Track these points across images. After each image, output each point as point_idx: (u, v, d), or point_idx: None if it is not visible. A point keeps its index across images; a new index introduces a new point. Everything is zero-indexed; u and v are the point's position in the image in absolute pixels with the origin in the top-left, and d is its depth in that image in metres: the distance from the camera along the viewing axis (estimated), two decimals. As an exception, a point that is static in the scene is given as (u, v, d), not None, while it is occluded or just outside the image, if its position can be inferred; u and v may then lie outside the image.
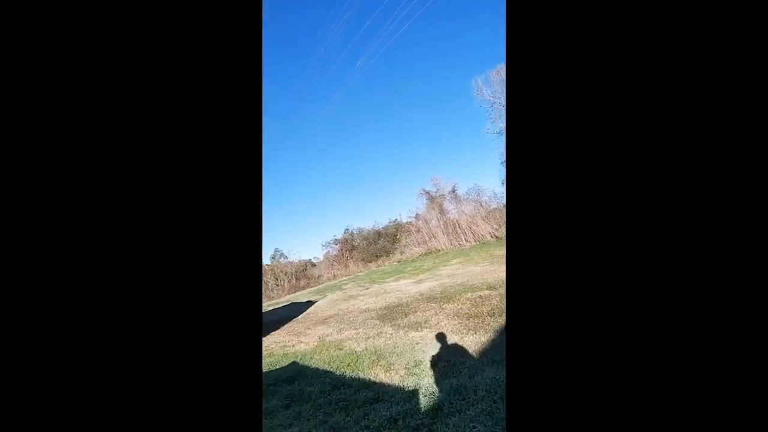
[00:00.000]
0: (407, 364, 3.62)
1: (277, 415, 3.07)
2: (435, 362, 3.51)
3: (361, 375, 3.63)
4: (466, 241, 16.82)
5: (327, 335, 6.04)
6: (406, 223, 21.13)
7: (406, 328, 5.15)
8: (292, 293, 19.79)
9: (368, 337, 5.17)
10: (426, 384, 3.01)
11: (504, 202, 17.86)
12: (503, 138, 19.97)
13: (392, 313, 6.38)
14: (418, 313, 5.94)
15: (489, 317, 4.72)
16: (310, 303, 11.51)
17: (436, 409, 2.51)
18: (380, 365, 3.78)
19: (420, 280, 10.28)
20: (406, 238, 19.76)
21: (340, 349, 4.86)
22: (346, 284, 14.97)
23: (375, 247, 21.67)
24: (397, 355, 4.04)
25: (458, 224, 17.67)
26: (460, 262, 11.95)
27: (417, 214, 20.96)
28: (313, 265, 26.93)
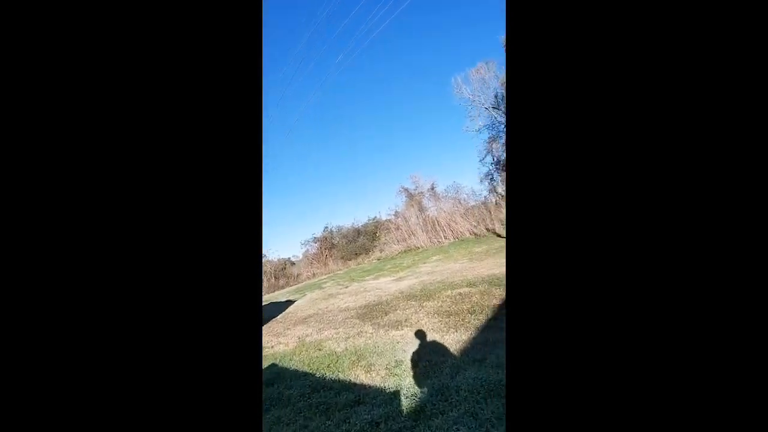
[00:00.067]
0: (388, 364, 3.59)
1: (254, 420, 2.98)
2: (416, 362, 3.49)
3: (342, 376, 3.58)
4: (445, 238, 16.94)
5: (307, 335, 5.95)
6: (386, 220, 21.14)
7: (387, 327, 5.12)
8: (271, 292, 19.50)
9: (348, 337, 5.11)
10: (407, 384, 2.98)
11: (482, 199, 18.09)
12: (482, 136, 20.17)
13: (372, 312, 6.34)
14: (398, 311, 5.92)
15: (469, 315, 4.73)
16: (289, 302, 11.35)
17: (418, 411, 2.48)
18: (361, 366, 3.73)
19: (400, 277, 10.28)
20: (385, 236, 19.77)
21: (320, 350, 4.79)
22: (325, 283, 14.85)
23: (354, 245, 21.59)
24: (378, 354, 4.00)
25: (437, 222, 17.78)
26: (440, 260, 12.02)
27: (396, 212, 20.99)
28: (293, 263, 26.63)
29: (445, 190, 19.70)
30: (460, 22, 26.18)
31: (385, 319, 5.61)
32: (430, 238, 17.60)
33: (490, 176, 18.60)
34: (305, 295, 12.50)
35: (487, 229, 15.37)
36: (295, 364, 4.41)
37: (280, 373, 4.16)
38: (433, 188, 20.15)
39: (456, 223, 16.91)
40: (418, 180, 20.71)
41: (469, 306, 5.17)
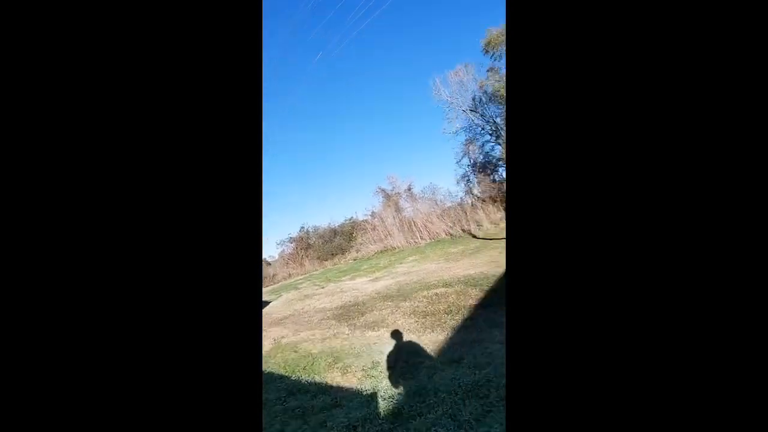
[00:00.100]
0: (365, 366, 3.57)
1: (228, 425, 2.91)
2: (393, 363, 3.49)
3: (318, 379, 3.54)
4: (422, 238, 17.05)
5: (282, 337, 5.86)
6: (362, 221, 21.09)
7: (363, 328, 5.10)
8: (244, 293, 19.02)
9: (325, 339, 5.06)
10: (384, 386, 2.97)
11: (458, 200, 18.30)
12: (459, 138, 20.41)
13: (349, 313, 6.30)
14: (375, 312, 5.91)
15: (446, 315, 4.77)
16: (265, 303, 11.15)
17: (396, 413, 2.48)
18: (337, 368, 3.70)
19: (376, 278, 10.27)
20: (362, 236, 19.72)
21: (296, 352, 4.72)
22: (301, 283, 14.67)
23: (331, 245, 21.45)
24: (354, 356, 3.98)
25: (414, 222, 17.87)
26: (416, 260, 12.08)
27: (373, 212, 20.97)
28: (268, 263, 26.18)
29: (421, 191, 19.82)
30: (440, 24, 26.43)
31: (361, 320, 5.59)
32: (406, 238, 17.67)
33: (467, 178, 18.86)
34: (281, 295, 12.31)
35: (463, 230, 15.56)
36: (271, 366, 4.33)
37: (254, 376, 4.07)
38: (410, 189, 20.25)
39: (432, 224, 17.04)
40: (395, 180, 20.76)
41: (445, 306, 5.21)
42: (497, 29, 15.87)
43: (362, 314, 5.97)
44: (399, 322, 4.99)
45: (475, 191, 17.86)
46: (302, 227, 25.16)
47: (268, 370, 4.24)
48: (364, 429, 2.37)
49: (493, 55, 16.39)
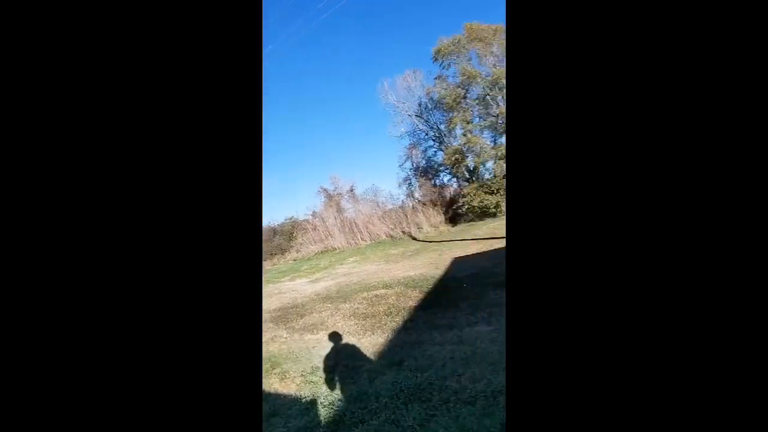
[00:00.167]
0: (304, 371, 3.45)
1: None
2: (333, 368, 3.41)
3: (253, 386, 3.35)
4: (363, 240, 17.04)
5: (213, 341, 5.50)
6: (303, 220, 20.60)
7: (302, 331, 4.95)
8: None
9: (262, 342, 4.83)
10: (324, 392, 2.88)
11: (400, 203, 18.56)
12: (403, 142, 20.66)
13: (287, 315, 6.09)
14: (314, 314, 5.77)
15: (386, 317, 4.78)
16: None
17: (337, 420, 2.40)
18: (275, 373, 3.54)
19: (316, 279, 10.07)
20: (302, 236, 19.26)
21: (229, 357, 4.45)
22: (235, 283, 13.95)
23: (270, 245, 20.68)
24: (293, 361, 3.83)
25: (355, 223, 17.82)
26: (356, 261, 12.04)
27: (314, 212, 20.60)
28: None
29: (364, 192, 19.85)
30: (392, 29, 26.66)
31: (300, 323, 5.42)
32: (347, 239, 17.56)
33: (409, 181, 19.21)
34: (212, 296, 11.61)
35: (403, 233, 15.80)
36: (200, 373, 4.03)
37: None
38: (352, 190, 20.18)
39: (373, 226, 17.12)
40: (338, 181, 20.59)
41: (385, 308, 5.22)
42: (448, 39, 16.38)
43: (301, 316, 5.79)
44: (339, 324, 4.91)
45: (417, 195, 18.26)
46: (239, 225, 23.99)
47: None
48: (302, 439, 2.27)
49: (442, 63, 16.88)
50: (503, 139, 15.81)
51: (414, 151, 18.95)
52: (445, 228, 15.19)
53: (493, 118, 15.85)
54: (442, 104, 16.73)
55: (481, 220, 14.55)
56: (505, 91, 15.14)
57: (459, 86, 16.28)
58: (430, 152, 19.01)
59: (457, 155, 16.38)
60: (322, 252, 17.63)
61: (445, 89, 16.54)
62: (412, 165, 19.14)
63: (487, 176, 16.19)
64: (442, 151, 17.97)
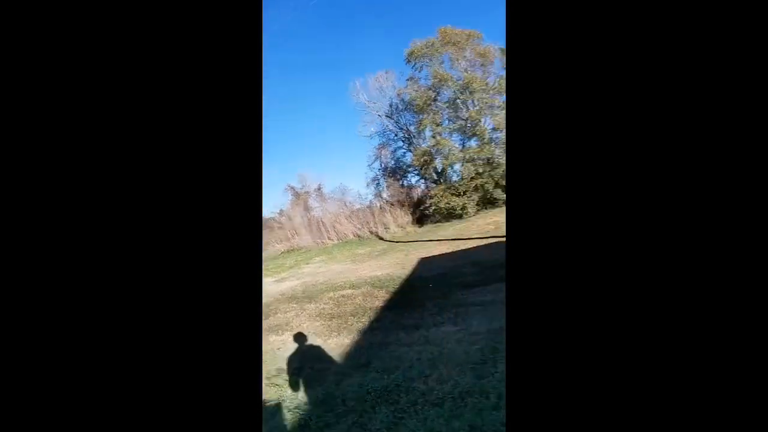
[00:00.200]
0: (268, 374, 3.34)
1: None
2: (298, 370, 3.33)
3: (213, 389, 3.21)
4: (329, 239, 16.88)
5: (170, 343, 5.26)
6: (269, 218, 20.17)
7: (267, 332, 4.82)
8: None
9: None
10: (289, 396, 2.80)
11: (368, 202, 18.52)
12: (373, 142, 20.68)
13: (250, 315, 5.91)
14: (279, 314, 5.64)
15: (352, 317, 4.73)
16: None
17: (303, 425, 2.34)
18: (236, 376, 3.40)
19: (281, 278, 9.86)
20: (268, 235, 18.83)
21: (187, 360, 4.26)
22: (195, 282, 13.45)
23: (232, 241, 20.10)
24: (256, 363, 3.71)
25: (322, 222, 17.62)
26: (323, 260, 11.90)
27: (281, 210, 20.23)
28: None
29: (331, 191, 19.68)
30: (366, 28, 26.56)
31: (265, 323, 5.27)
32: (314, 238, 17.34)
33: (377, 181, 19.19)
34: (170, 295, 11.13)
35: (371, 232, 15.79)
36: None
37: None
38: (320, 189, 19.96)
39: (341, 225, 16.99)
40: (306, 179, 20.32)
41: (351, 308, 5.18)
42: (422, 41, 16.49)
43: (266, 317, 5.64)
44: (304, 325, 4.82)
45: (385, 195, 18.29)
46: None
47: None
48: (266, 444, 2.20)
49: (414, 65, 16.99)
50: (472, 142, 16.14)
51: (383, 152, 18.98)
52: (412, 228, 15.31)
53: (462, 122, 16.12)
54: (413, 106, 16.85)
55: (448, 221, 14.76)
56: (474, 95, 15.46)
57: (430, 89, 16.46)
58: (399, 153, 19.12)
59: (425, 157, 16.54)
60: (288, 251, 17.33)
61: (417, 91, 16.67)
62: (381, 165, 19.17)
63: (454, 178, 16.47)
64: (411, 152, 18.10)
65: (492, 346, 2.92)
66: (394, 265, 8.37)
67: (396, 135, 18.92)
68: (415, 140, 18.16)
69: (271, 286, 8.92)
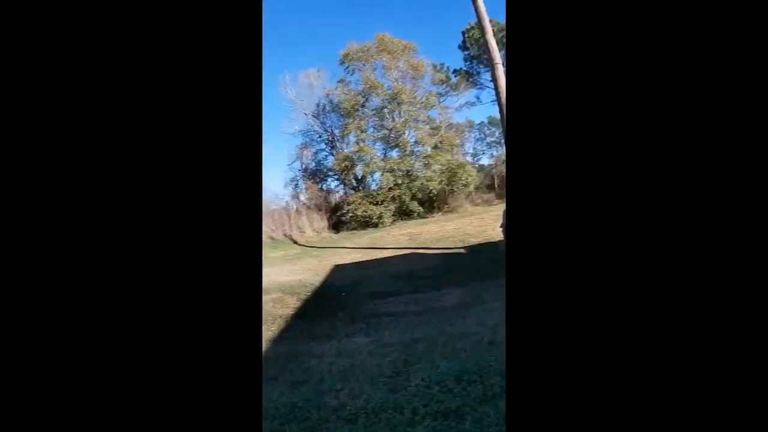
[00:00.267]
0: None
1: None
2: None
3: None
4: (239, 237, 15.94)
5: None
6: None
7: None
8: None
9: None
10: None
11: (284, 203, 17.87)
12: (296, 141, 20.01)
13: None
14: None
15: (261, 325, 4.46)
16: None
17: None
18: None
19: (180, 276, 9.00)
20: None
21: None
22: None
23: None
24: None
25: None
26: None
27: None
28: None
29: (247, 188, 18.61)
30: (303, 22, 25.79)
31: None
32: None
33: (295, 182, 18.63)
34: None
35: (285, 235, 15.24)
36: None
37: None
38: (233, 183, 18.77)
39: (253, 223, 16.15)
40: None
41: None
42: (358, 45, 16.49)
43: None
44: (205, 331, 4.42)
45: (302, 197, 17.81)
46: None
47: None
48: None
49: (347, 68, 16.90)
50: (393, 153, 16.52)
51: (305, 152, 18.52)
52: (328, 234, 15.13)
53: (387, 131, 16.44)
54: (341, 109, 16.73)
55: (364, 229, 14.86)
56: (401, 106, 15.88)
57: (360, 94, 16.51)
58: (321, 155, 18.82)
59: (347, 162, 16.52)
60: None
61: (346, 94, 16.61)
62: (302, 166, 18.68)
63: (373, 187, 16.65)
64: (333, 155, 17.94)
65: (404, 359, 2.95)
66: (307, 270, 8.16)
67: (320, 136, 18.61)
68: (338, 144, 18.04)
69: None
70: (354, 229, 15.28)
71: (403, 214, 15.63)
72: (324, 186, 18.40)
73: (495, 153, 20.55)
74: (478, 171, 18.16)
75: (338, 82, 17.45)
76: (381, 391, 2.44)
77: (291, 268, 8.78)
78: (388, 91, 16.10)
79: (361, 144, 16.30)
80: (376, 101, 16.54)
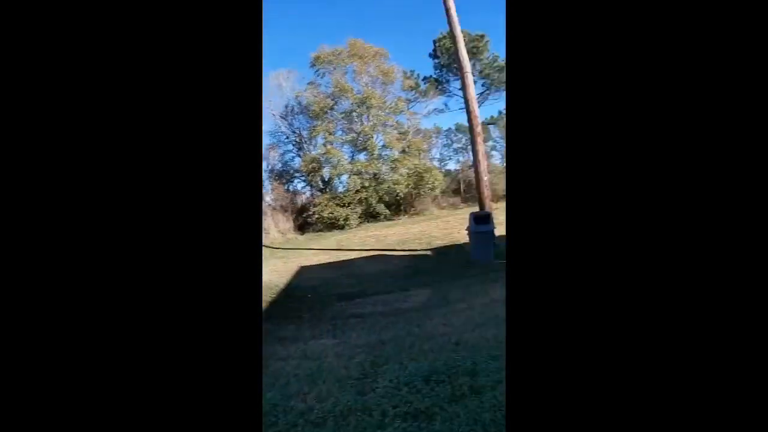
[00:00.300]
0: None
1: None
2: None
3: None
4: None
5: None
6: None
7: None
8: None
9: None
10: None
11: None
12: (263, 140, 19.62)
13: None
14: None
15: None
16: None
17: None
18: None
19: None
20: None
21: None
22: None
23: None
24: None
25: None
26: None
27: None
28: None
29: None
30: (277, 23, 25.35)
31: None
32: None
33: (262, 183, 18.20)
34: None
35: (248, 235, 14.84)
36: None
37: None
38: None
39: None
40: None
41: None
42: (330, 48, 16.37)
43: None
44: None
45: (268, 198, 17.43)
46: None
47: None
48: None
49: (318, 70, 16.75)
50: (361, 156, 16.50)
51: (272, 152, 18.19)
52: (293, 235, 14.87)
53: (355, 135, 16.42)
54: (309, 111, 16.58)
55: (330, 231, 14.72)
56: (370, 111, 15.91)
57: (329, 96, 16.44)
58: (288, 156, 18.56)
59: (314, 164, 16.35)
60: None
61: (315, 96, 16.47)
62: (268, 166, 18.31)
63: (340, 189, 16.55)
64: (301, 157, 17.72)
65: (372, 360, 2.93)
66: (273, 272, 7.96)
67: (288, 138, 18.35)
68: (306, 146, 17.83)
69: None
70: (320, 230, 15.10)
71: (370, 216, 15.62)
72: (290, 187, 18.14)
73: (461, 158, 20.99)
74: (445, 176, 18.44)
75: (308, 84, 17.31)
76: (349, 393, 2.40)
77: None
78: (358, 95, 16.11)
79: (329, 146, 16.18)
80: (345, 104, 16.53)
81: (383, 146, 16.51)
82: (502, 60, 18.83)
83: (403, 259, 8.11)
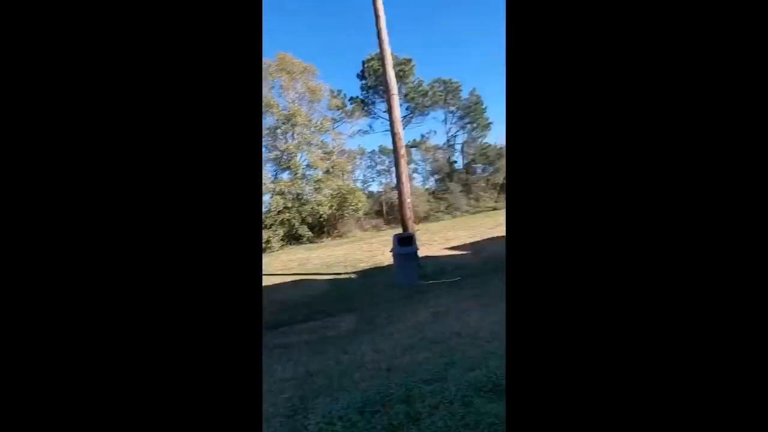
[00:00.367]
0: None
1: None
2: None
3: None
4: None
5: None
6: None
7: None
8: None
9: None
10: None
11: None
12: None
13: None
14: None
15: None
16: None
17: None
18: None
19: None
20: None
21: None
22: None
23: None
24: None
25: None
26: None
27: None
28: None
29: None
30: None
31: None
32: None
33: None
34: None
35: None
36: None
37: None
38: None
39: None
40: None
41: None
42: (285, 54, 15.86)
43: None
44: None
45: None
46: None
47: None
48: None
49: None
50: (284, 175, 16.08)
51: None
52: (208, 257, 13.84)
53: (279, 153, 15.99)
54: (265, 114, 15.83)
55: (250, 253, 13.98)
56: (296, 128, 15.64)
57: (251, 112, 15.86)
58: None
59: (234, 182, 15.53)
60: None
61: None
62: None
63: (263, 210, 15.91)
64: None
65: (300, 395, 2.78)
66: (184, 298, 7.27)
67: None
68: (266, 149, 16.94)
69: None
70: (238, 253, 14.25)
71: (292, 238, 15.19)
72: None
73: (384, 180, 21.51)
74: (368, 197, 18.70)
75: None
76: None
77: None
78: (284, 112, 15.81)
79: (250, 164, 15.51)
80: (270, 121, 16.09)
81: (307, 165, 16.33)
82: (426, 85, 19.84)
83: (329, 282, 7.96)
